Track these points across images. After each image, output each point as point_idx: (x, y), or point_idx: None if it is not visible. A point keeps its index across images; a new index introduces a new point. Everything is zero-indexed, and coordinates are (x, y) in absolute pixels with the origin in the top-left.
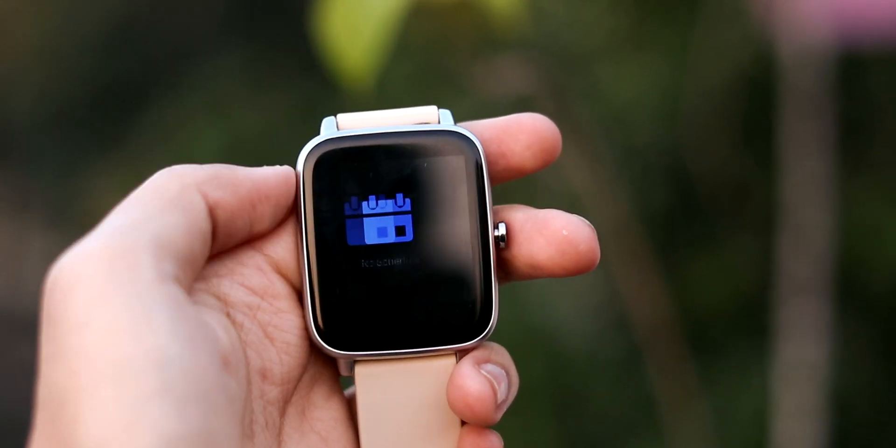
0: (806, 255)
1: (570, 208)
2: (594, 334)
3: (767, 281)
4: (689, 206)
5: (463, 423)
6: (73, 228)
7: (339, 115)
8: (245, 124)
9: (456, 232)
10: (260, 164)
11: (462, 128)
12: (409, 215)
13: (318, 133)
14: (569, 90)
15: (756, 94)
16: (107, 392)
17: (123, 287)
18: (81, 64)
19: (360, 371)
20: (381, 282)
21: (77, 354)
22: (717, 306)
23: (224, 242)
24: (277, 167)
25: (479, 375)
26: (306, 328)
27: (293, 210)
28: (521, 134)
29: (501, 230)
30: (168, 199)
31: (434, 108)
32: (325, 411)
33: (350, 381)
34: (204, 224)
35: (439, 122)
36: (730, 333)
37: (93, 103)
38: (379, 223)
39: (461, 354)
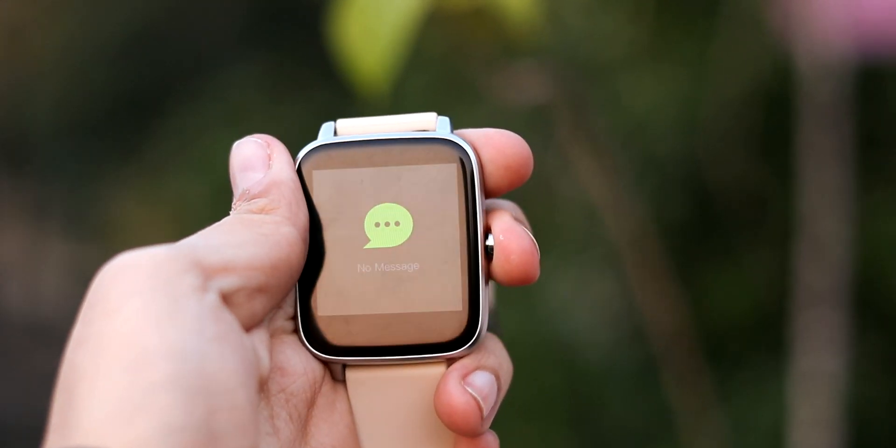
0: (823, 267)
1: (588, 219)
2: (611, 345)
3: (785, 292)
4: (706, 217)
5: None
6: (91, 237)
7: (339, 121)
8: (263, 133)
9: (445, 240)
10: None
11: (456, 136)
12: (400, 222)
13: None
14: (587, 100)
15: (774, 105)
16: (120, 376)
17: (162, 285)
18: (99, 73)
19: (351, 376)
20: (372, 288)
21: (100, 339)
22: (735, 317)
23: None
24: (276, 153)
25: (464, 393)
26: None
27: None
28: (487, 148)
29: (491, 241)
30: (258, 233)
31: (433, 114)
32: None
33: None
34: (295, 258)
35: (436, 129)
36: (747, 344)
37: (110, 112)
38: (369, 229)
39: (450, 361)
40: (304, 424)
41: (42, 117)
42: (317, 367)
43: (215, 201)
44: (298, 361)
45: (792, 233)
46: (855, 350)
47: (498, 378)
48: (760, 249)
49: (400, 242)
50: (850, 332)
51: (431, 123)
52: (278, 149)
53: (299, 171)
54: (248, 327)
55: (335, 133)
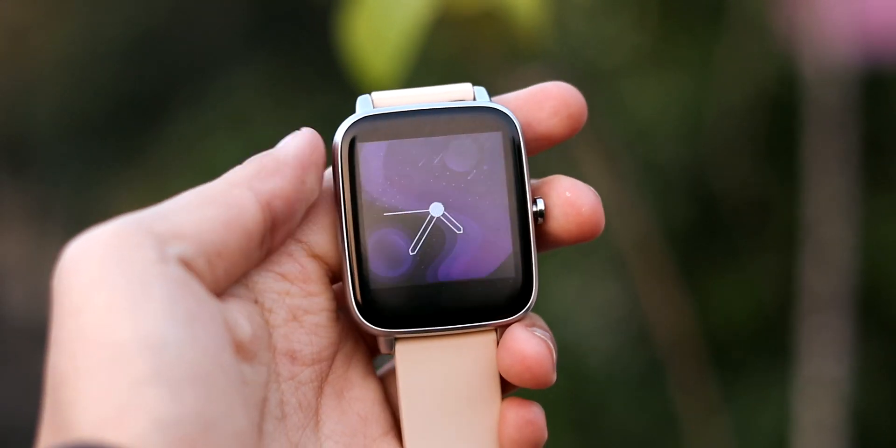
0: (828, 272)
1: None
2: (614, 350)
3: (789, 297)
4: (711, 222)
5: (504, 396)
6: None
7: (374, 93)
8: (266, 137)
9: (496, 207)
10: None
11: (498, 104)
12: (450, 191)
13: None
14: (592, 105)
15: (779, 111)
16: (101, 376)
17: (121, 268)
18: (102, 75)
19: (401, 348)
20: (424, 258)
21: (74, 338)
22: (738, 322)
23: (290, 227)
24: (298, 134)
25: (535, 337)
26: (337, 308)
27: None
28: (546, 101)
29: (540, 205)
30: (208, 196)
31: (469, 85)
32: (363, 391)
33: (382, 361)
34: (249, 219)
35: (474, 99)
36: (750, 349)
37: (113, 114)
38: (420, 199)
39: (501, 330)
40: (314, 412)
41: (44, 119)
42: (325, 356)
43: None
44: (309, 350)
45: (796, 238)
46: (859, 355)
47: (552, 338)
48: (765, 255)
49: (451, 211)
50: (855, 337)
51: (469, 93)
52: (303, 133)
53: (343, 143)
54: (217, 295)
55: (373, 106)
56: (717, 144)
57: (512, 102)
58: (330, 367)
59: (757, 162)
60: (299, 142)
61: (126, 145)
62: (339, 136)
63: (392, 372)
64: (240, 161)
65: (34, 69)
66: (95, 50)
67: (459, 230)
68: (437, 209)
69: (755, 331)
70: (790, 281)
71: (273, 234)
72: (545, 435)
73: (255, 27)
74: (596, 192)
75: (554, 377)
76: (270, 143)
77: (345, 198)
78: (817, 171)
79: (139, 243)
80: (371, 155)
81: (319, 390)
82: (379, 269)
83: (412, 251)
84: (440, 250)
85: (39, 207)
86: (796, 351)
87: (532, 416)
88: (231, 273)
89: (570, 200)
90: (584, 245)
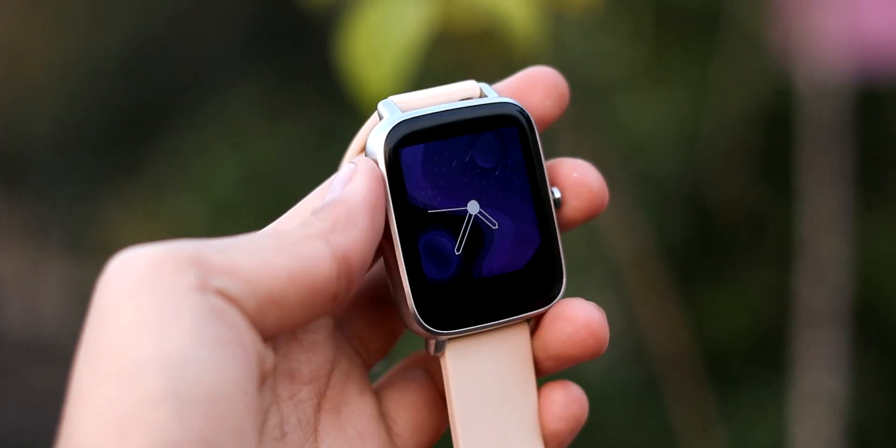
0: (823, 287)
1: (590, 237)
2: (610, 364)
3: (785, 312)
4: (706, 236)
5: (538, 383)
6: (89, 255)
7: (393, 97)
8: (262, 153)
9: (522, 200)
10: (277, 193)
11: (511, 99)
12: (482, 188)
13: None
14: (588, 120)
15: (774, 126)
16: (111, 390)
17: (155, 287)
18: (98, 91)
19: (452, 348)
20: (467, 256)
21: (96, 349)
22: (735, 337)
23: (364, 274)
24: (359, 170)
25: (590, 304)
26: (332, 324)
27: None
28: (537, 85)
29: (557, 193)
30: (281, 244)
31: (474, 82)
32: (359, 406)
33: (375, 376)
34: (321, 275)
35: (481, 95)
36: (747, 363)
37: (110, 130)
38: (458, 199)
39: (533, 320)
40: (313, 429)
41: (41, 135)
42: (323, 373)
43: (214, 220)
44: (308, 368)
45: (792, 252)
46: (855, 370)
47: None
48: (760, 268)
49: (490, 208)
50: (851, 351)
51: (475, 90)
52: (363, 170)
53: (386, 148)
54: (262, 339)
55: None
56: (712, 158)
57: (507, 91)
58: (327, 383)
59: (753, 176)
60: (366, 181)
61: (123, 161)
62: (380, 142)
63: (389, 386)
64: (235, 177)
65: (31, 84)
66: (92, 65)
67: (495, 226)
68: (473, 207)
69: (751, 345)
70: (786, 295)
71: (349, 288)
72: (587, 411)
73: (252, 43)
74: (595, 166)
75: (605, 345)
76: (266, 158)
77: (393, 204)
78: (813, 186)
79: (181, 267)
80: (411, 159)
81: (318, 407)
82: (431, 271)
83: (458, 251)
84: (481, 247)
85: (36, 223)
86: (792, 365)
87: (577, 394)
88: (285, 323)
89: (579, 180)
90: (579, 258)
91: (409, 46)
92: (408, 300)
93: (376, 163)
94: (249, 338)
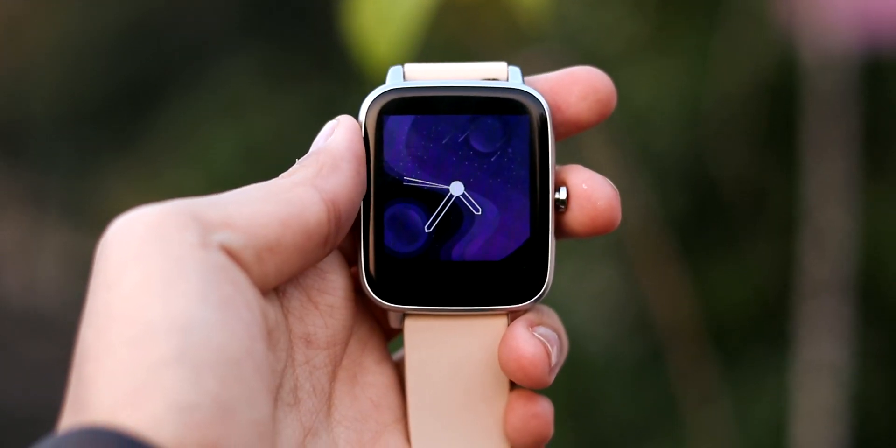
0: (826, 258)
1: None
2: (611, 337)
3: (787, 284)
4: (709, 209)
5: (512, 386)
6: (87, 227)
7: (407, 65)
8: (260, 125)
9: (517, 192)
10: (275, 166)
11: (530, 87)
12: (472, 171)
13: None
14: None
15: (777, 97)
16: (123, 354)
17: (160, 248)
18: (96, 63)
19: (410, 324)
20: (439, 236)
21: (104, 313)
22: (737, 308)
23: (352, 222)
24: (341, 124)
25: (533, 338)
26: (350, 288)
27: None
28: (574, 86)
29: (562, 193)
30: (270, 192)
31: (504, 64)
32: (376, 376)
33: (399, 345)
34: (312, 218)
35: (507, 79)
36: (749, 335)
37: (108, 103)
38: (440, 177)
39: (513, 315)
40: (327, 397)
41: (39, 108)
42: (339, 340)
43: (211, 192)
44: (324, 333)
45: (795, 224)
46: (857, 341)
47: (560, 338)
48: (763, 241)
49: (471, 192)
50: (853, 323)
51: (502, 72)
52: (345, 123)
53: (369, 116)
54: (264, 291)
55: (404, 78)
56: (715, 131)
57: (541, 84)
58: (344, 351)
59: (755, 148)
60: (347, 133)
61: (121, 133)
62: (365, 107)
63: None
64: (234, 149)
65: (29, 57)
66: (90, 38)
67: (478, 211)
68: (457, 188)
69: (754, 317)
70: (789, 267)
71: (338, 231)
72: (551, 430)
73: (250, 15)
74: (614, 187)
75: (550, 379)
76: (265, 131)
77: (368, 170)
78: (816, 158)
79: (183, 226)
80: (396, 128)
81: (333, 375)
82: (393, 242)
83: (428, 228)
84: (456, 230)
85: (34, 195)
86: (795, 337)
87: (539, 410)
88: (283, 270)
89: (586, 193)
90: None
91: (415, 13)
92: (360, 265)
93: (361, 126)
94: (251, 294)
